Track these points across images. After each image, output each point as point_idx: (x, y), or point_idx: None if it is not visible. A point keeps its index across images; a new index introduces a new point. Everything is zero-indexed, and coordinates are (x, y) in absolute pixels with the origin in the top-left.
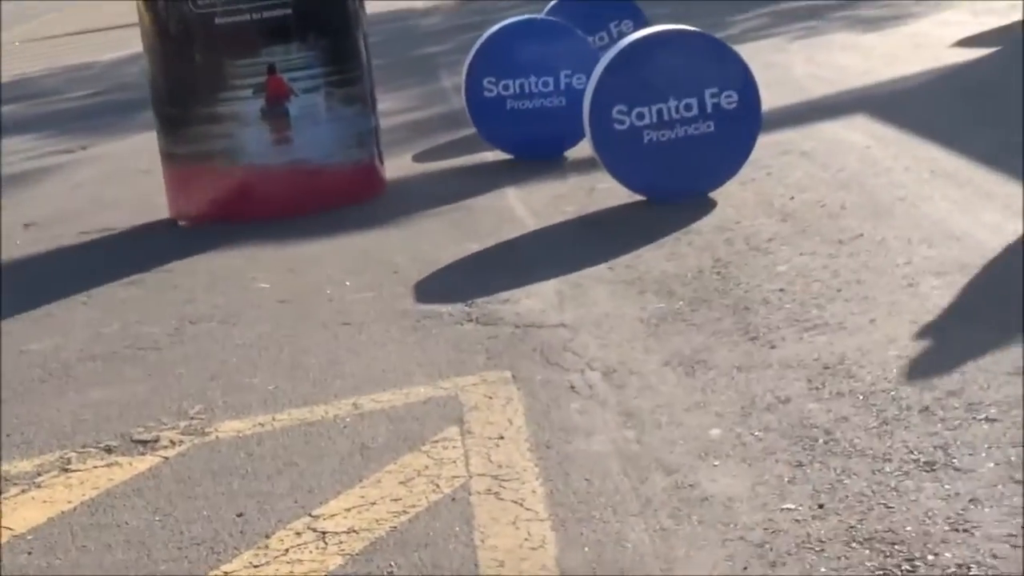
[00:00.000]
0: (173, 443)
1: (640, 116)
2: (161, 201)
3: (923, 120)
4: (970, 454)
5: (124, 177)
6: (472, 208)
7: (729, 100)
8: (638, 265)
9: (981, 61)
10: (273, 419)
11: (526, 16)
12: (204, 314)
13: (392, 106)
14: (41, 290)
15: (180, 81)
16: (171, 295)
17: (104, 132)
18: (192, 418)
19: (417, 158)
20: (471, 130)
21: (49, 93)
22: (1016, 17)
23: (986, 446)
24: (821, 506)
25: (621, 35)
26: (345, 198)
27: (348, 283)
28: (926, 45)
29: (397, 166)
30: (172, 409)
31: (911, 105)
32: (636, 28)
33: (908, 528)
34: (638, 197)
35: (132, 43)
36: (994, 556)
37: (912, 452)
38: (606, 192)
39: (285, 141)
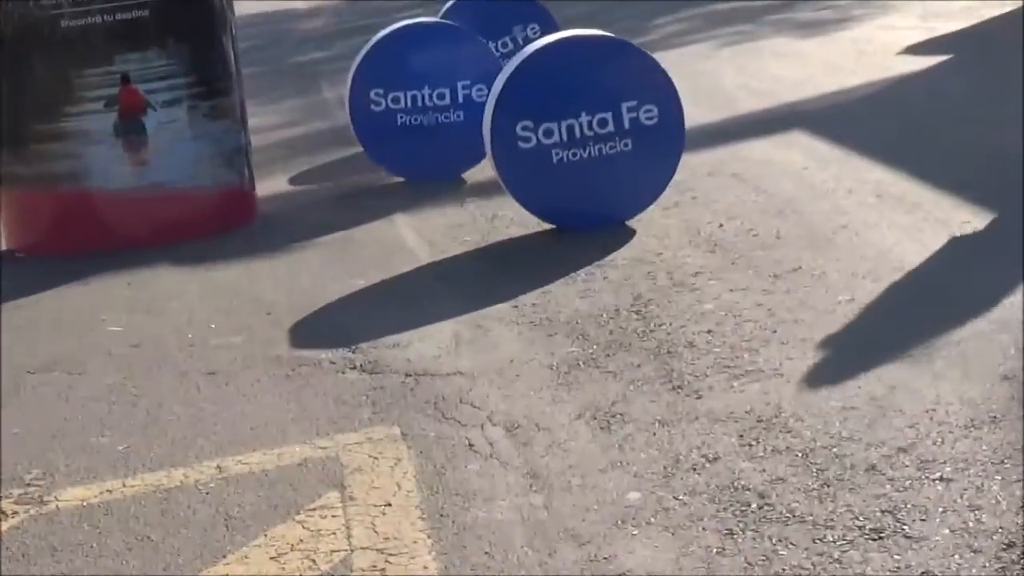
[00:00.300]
0: (6, 514)
1: (548, 133)
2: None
3: (867, 137)
4: (923, 519)
5: None
6: (357, 238)
7: (649, 115)
8: (547, 303)
9: (931, 71)
10: (123, 485)
11: (419, 19)
12: (44, 362)
13: (266, 121)
14: None
15: (20, 92)
16: (6, 340)
17: None
18: (29, 484)
19: (294, 181)
20: (357, 149)
21: None
22: (969, 22)
23: (940, 510)
24: None
25: (527, 41)
26: (211, 227)
27: (213, 326)
28: (870, 52)
29: (271, 190)
30: (6, 474)
31: (854, 120)
32: (544, 33)
33: None
34: (547, 225)
35: None
36: None
37: (857, 518)
38: (510, 219)
39: (141, 162)
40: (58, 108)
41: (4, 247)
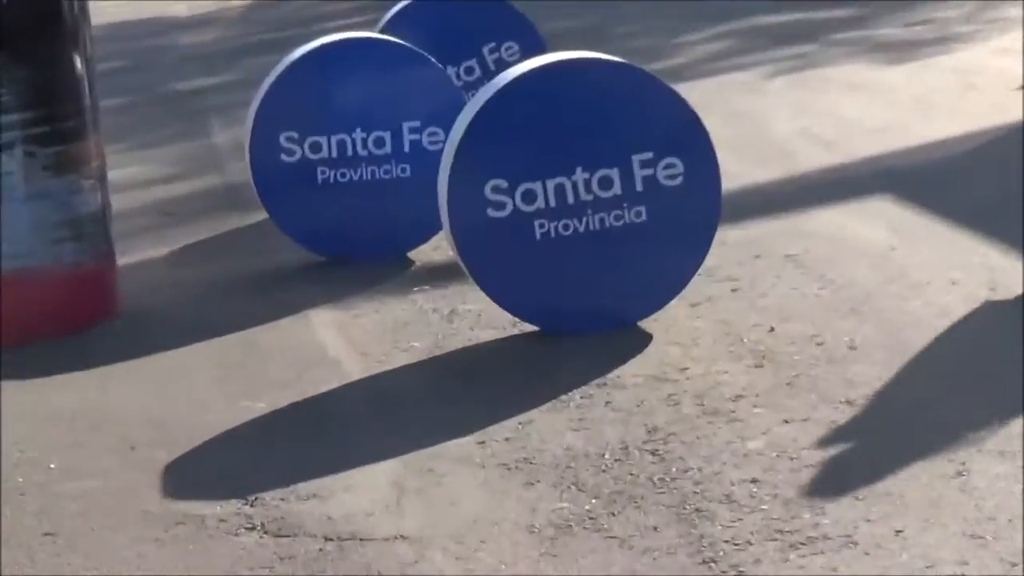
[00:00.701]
0: None
1: (529, 197)
2: None
3: (976, 208)
4: None
5: None
6: (258, 343)
7: (671, 172)
8: (526, 438)
9: None
10: None
11: (350, 34)
12: None
13: (133, 175)
14: None
15: None
16: None
17: None
18: None
19: (172, 260)
20: (260, 215)
21: None
22: None
23: None
24: None
25: (501, 65)
26: (54, 325)
27: (53, 465)
28: (980, 87)
29: (140, 273)
30: None
31: (957, 184)
32: (524, 55)
33: None
34: (528, 327)
35: None
36: None
37: None
38: (475, 318)
39: None
40: None
41: None
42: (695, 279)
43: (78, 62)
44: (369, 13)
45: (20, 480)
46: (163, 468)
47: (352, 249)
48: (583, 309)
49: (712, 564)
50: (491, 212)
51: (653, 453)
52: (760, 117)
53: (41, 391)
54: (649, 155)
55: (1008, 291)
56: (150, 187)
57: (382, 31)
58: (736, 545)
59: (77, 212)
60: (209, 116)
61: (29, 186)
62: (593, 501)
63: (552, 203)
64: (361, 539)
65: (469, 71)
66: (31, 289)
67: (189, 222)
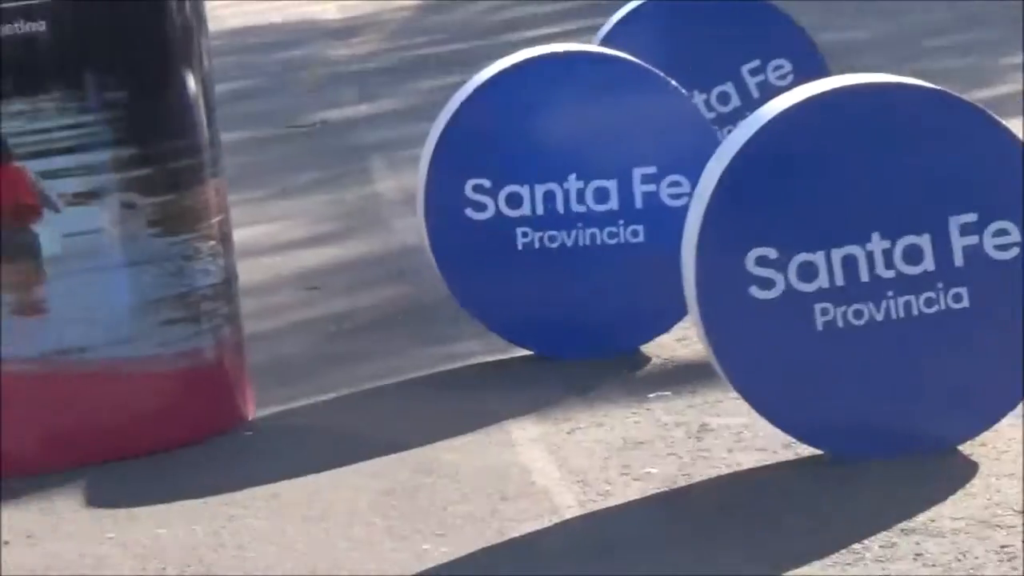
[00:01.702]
0: None
1: (807, 273)
2: None
3: None
4: None
5: None
6: (438, 464)
7: (1001, 242)
8: None
9: None
10: None
11: (559, 47)
12: None
13: (267, 235)
14: None
15: None
16: None
17: None
18: None
19: (319, 350)
20: (439, 291)
21: None
22: None
23: None
24: None
25: (767, 91)
26: (160, 434)
27: None
28: None
29: (276, 367)
30: None
31: None
32: (799, 78)
33: None
34: (807, 449)
35: None
36: None
37: None
38: (733, 435)
39: (30, 309)
40: None
41: None
42: None
43: (191, 83)
44: (584, 17)
45: None
46: None
47: (565, 340)
48: (898, 430)
49: None
50: (755, 291)
51: None
52: None
53: (146, 524)
54: (972, 218)
55: None
56: (289, 251)
57: (603, 43)
58: None
59: (193, 284)
60: (367, 156)
61: (128, 248)
62: None
63: (841, 282)
64: None
65: (723, 99)
66: (133, 387)
67: (341, 299)
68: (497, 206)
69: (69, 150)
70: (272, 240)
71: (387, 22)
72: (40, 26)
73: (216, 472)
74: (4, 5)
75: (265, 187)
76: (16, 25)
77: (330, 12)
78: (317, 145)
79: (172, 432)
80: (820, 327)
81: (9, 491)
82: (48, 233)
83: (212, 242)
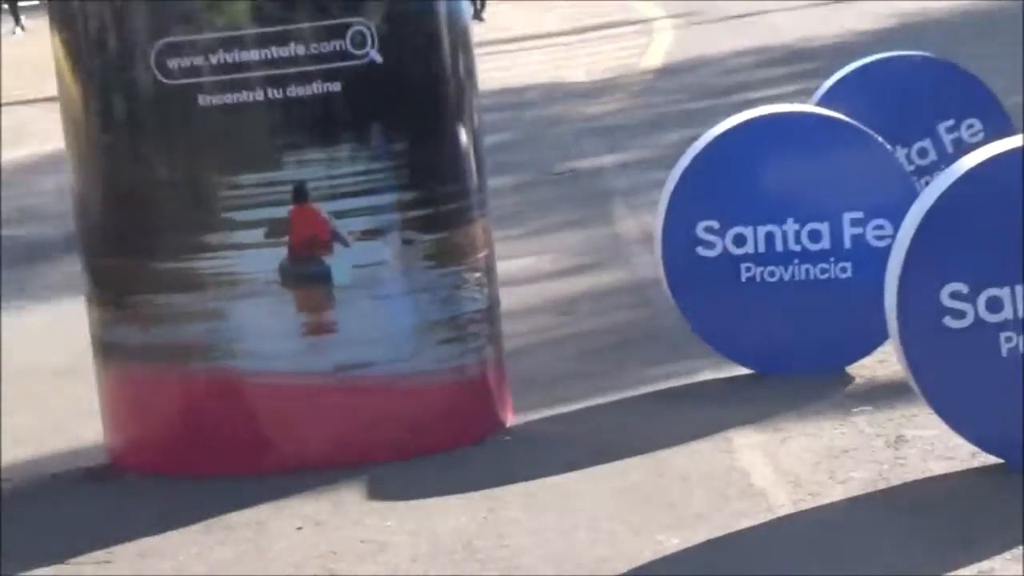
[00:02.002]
0: None
1: (994, 306)
2: (90, 431)
3: None
4: None
5: (27, 383)
6: (670, 467)
7: None
8: None
9: None
10: None
11: (781, 107)
12: None
13: (524, 267)
14: None
15: (133, 212)
16: None
17: None
18: None
19: (569, 367)
20: (672, 317)
21: None
22: None
23: None
24: None
25: (961, 148)
26: (431, 439)
27: None
28: None
29: (532, 381)
30: None
31: None
32: (989, 136)
33: None
34: (992, 458)
35: (44, 136)
36: None
37: None
38: (927, 445)
39: (322, 329)
40: (190, 237)
41: (106, 458)
42: None
43: (463, 136)
44: (801, 81)
45: None
46: None
47: (781, 360)
48: None
49: None
50: (949, 321)
51: None
52: None
53: (419, 514)
54: None
55: None
56: (543, 281)
57: (819, 103)
58: None
59: (462, 309)
60: (612, 200)
61: (408, 279)
62: None
63: (1020, 313)
64: None
65: (922, 153)
66: (410, 397)
67: (588, 323)
68: (724, 245)
69: (358, 193)
70: (529, 272)
71: (630, 84)
72: (336, 86)
73: (479, 471)
74: (307, 68)
75: (523, 226)
76: (316, 86)
77: (579, 75)
78: (568, 190)
79: (442, 436)
80: (1004, 353)
81: (303, 484)
82: (339, 264)
83: (478, 273)
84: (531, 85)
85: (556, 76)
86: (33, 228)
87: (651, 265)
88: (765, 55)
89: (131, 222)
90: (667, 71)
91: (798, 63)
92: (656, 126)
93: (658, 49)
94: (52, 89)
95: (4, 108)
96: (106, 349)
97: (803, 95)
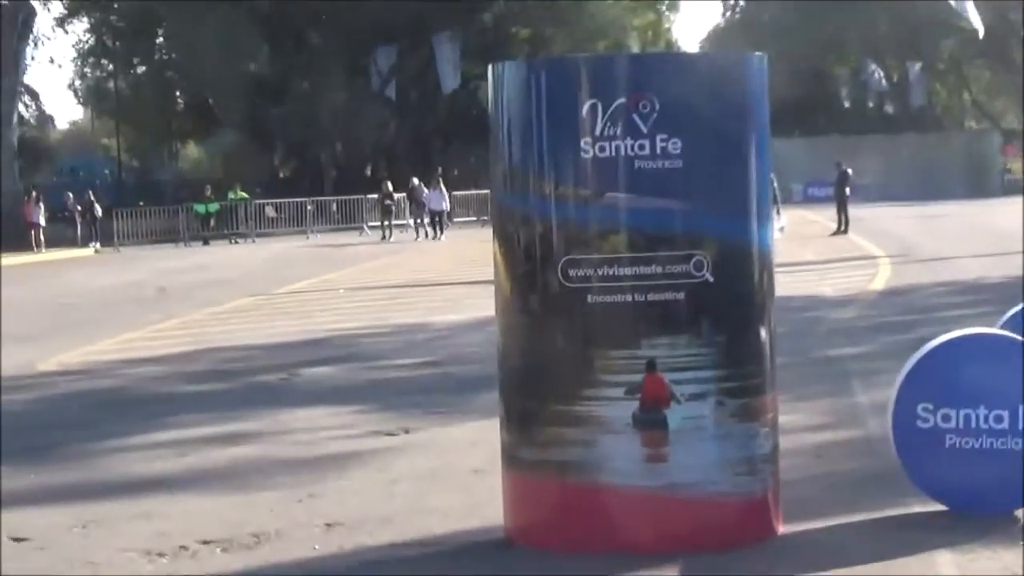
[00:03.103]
0: None
1: None
2: (494, 513)
3: None
4: None
5: (452, 476)
6: (893, 568)
7: None
8: None
9: None
10: None
11: (979, 329)
12: None
13: (791, 421)
14: None
15: (539, 368)
16: None
17: (433, 414)
18: None
19: (818, 492)
20: (894, 467)
21: (373, 356)
22: None
23: None
24: None
25: None
26: (723, 539)
27: None
28: None
29: (790, 502)
30: None
31: None
32: None
33: None
34: None
35: (474, 305)
36: None
37: None
38: None
39: (659, 458)
40: (577, 390)
41: (504, 535)
42: None
43: (763, 333)
44: (980, 306)
45: None
46: None
47: (971, 503)
48: None
49: None
50: None
51: None
52: None
53: None
54: None
55: None
56: (803, 433)
57: (1003, 327)
58: None
59: (753, 452)
60: (851, 379)
61: (717, 428)
62: None
63: None
64: None
65: None
66: (712, 509)
67: (834, 464)
68: (935, 420)
69: (690, 368)
70: (793, 425)
71: (865, 299)
72: (680, 295)
73: (753, 568)
74: (662, 282)
75: (790, 392)
76: (667, 294)
77: (828, 291)
78: (821, 369)
79: (732, 537)
80: None
81: (618, 563)
82: (673, 416)
83: (767, 428)
84: (796, 295)
85: (813, 291)
86: (464, 368)
87: (880, 427)
88: (955, 287)
89: (537, 375)
90: (888, 292)
91: (976, 294)
92: (880, 330)
93: (882, 277)
94: (471, 275)
95: (444, 286)
96: (510, 460)
97: (982, 318)
